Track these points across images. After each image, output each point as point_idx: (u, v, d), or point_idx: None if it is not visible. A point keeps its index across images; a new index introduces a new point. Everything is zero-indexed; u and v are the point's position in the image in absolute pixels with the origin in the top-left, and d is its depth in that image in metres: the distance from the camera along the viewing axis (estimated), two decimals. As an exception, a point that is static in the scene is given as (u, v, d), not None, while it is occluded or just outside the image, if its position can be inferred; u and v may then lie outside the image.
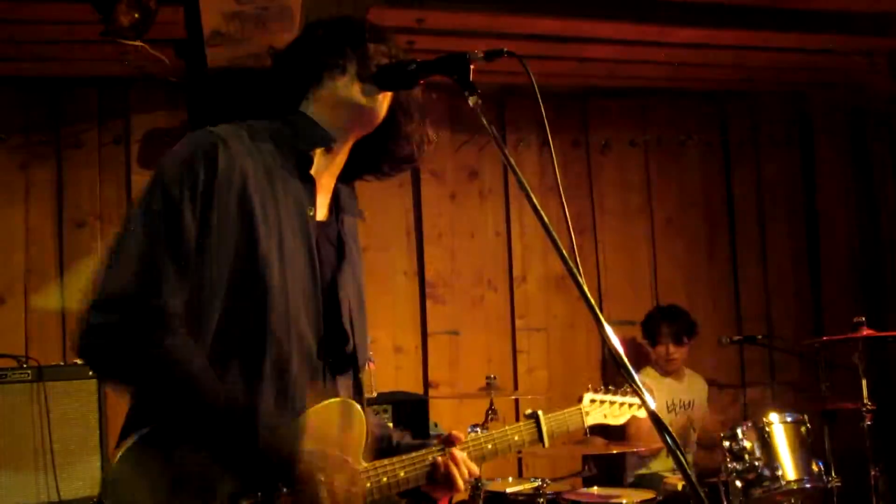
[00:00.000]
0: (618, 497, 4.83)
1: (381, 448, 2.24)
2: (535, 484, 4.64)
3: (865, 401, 5.08)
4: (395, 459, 2.16)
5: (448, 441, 2.27)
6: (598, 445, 5.07)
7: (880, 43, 5.58)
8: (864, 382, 5.12)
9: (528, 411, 2.53)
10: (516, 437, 2.44)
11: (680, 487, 5.01)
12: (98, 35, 4.39)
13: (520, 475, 5.79)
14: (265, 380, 1.97)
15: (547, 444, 2.51)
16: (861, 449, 5.00)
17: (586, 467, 5.04)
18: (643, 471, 5.58)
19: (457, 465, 2.22)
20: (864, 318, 5.10)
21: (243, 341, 1.97)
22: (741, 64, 5.91)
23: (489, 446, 2.36)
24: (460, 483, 2.21)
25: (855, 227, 6.79)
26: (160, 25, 4.44)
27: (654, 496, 4.81)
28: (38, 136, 5.53)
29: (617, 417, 2.86)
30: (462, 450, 2.27)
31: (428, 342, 6.07)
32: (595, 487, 5.14)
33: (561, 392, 6.19)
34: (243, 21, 4.50)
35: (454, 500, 5.05)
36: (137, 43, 4.49)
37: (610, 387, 2.88)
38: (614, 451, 5.09)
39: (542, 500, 4.58)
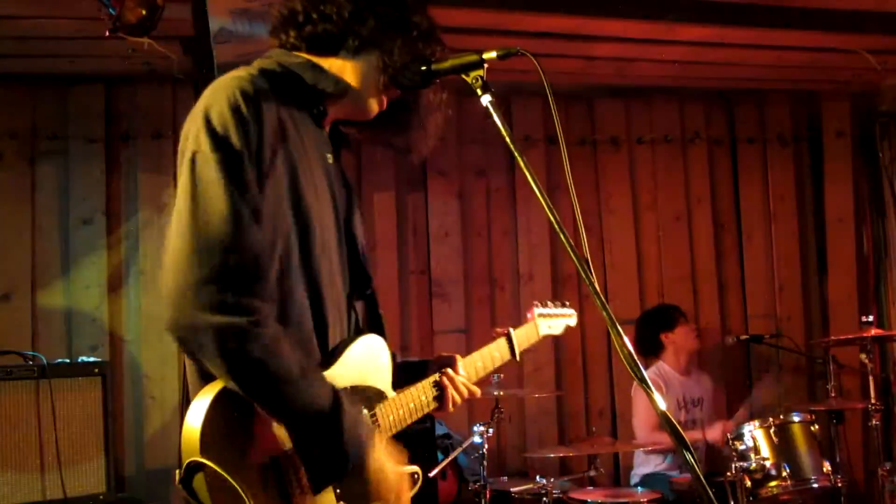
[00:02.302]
0: (624, 497, 4.82)
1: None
2: (541, 484, 4.63)
3: (873, 400, 5.07)
4: (417, 386, 2.31)
5: (445, 362, 2.46)
6: (605, 445, 5.07)
7: (889, 41, 5.55)
8: (871, 381, 5.11)
9: (498, 329, 2.84)
10: (496, 354, 2.75)
11: (687, 487, 5.00)
12: (105, 32, 4.38)
13: (525, 474, 5.79)
14: (310, 323, 2.00)
15: (518, 357, 2.82)
16: (869, 448, 5.00)
17: (592, 467, 5.02)
18: (649, 470, 5.56)
19: (453, 386, 2.41)
20: (872, 318, 5.09)
21: (294, 284, 1.96)
22: (749, 62, 5.89)
23: (479, 364, 2.64)
24: (450, 405, 2.40)
25: (863, 226, 6.76)
26: (167, 22, 4.43)
27: (660, 496, 4.80)
28: (45, 133, 5.54)
29: (553, 329, 3.16)
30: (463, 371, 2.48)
31: (435, 341, 6.07)
32: (601, 487, 5.13)
33: (568, 390, 6.19)
34: (251, 18, 4.49)
35: (458, 499, 5.05)
36: (145, 40, 4.49)
37: (555, 301, 3.22)
38: (620, 451, 5.09)
39: (547, 499, 4.57)
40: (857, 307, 6.47)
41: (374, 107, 2.17)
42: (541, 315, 3.08)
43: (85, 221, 5.52)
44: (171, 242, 1.79)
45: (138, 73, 5.48)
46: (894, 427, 6.21)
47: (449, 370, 2.41)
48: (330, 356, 2.04)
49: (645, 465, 5.62)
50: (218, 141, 1.81)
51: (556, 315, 3.18)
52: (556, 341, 6.23)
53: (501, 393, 4.73)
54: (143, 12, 4.15)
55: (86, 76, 5.54)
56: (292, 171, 1.94)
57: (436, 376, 2.38)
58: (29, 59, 5.28)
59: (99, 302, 5.45)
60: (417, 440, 4.75)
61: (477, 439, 4.52)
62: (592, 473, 5.01)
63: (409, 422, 2.23)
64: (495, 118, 1.96)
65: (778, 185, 6.71)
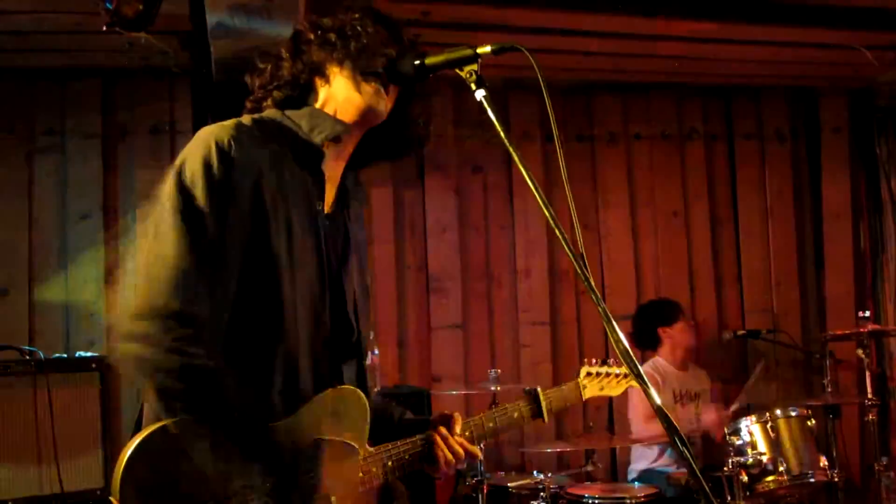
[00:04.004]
0: (621, 492, 4.82)
1: (383, 427, 2.27)
2: (538, 478, 4.64)
3: (869, 395, 5.08)
4: (399, 443, 2.21)
5: (442, 421, 2.32)
6: (602, 440, 5.07)
7: (886, 37, 5.56)
8: (868, 377, 5.12)
9: (527, 388, 2.61)
10: (516, 415, 2.53)
11: (683, 482, 5.01)
12: (103, 26, 4.38)
13: (522, 469, 5.79)
14: (276, 371, 2.00)
15: (547, 419, 2.61)
16: (865, 443, 5.01)
17: (589, 462, 5.03)
18: (646, 466, 5.57)
19: (444, 444, 2.26)
20: (868, 313, 5.10)
21: (256, 333, 2.00)
22: (747, 58, 5.90)
23: (490, 424, 2.44)
24: (442, 463, 2.25)
25: (860, 222, 6.77)
26: (165, 17, 4.42)
27: (656, 491, 4.81)
28: (42, 128, 5.53)
29: (614, 389, 2.97)
30: (465, 429, 2.33)
31: (432, 336, 6.07)
32: (598, 482, 5.14)
33: (564, 386, 6.18)
34: (248, 13, 4.48)
35: (458, 494, 5.05)
36: (142, 34, 4.48)
37: (609, 360, 2.97)
38: (617, 446, 5.10)
39: (544, 494, 4.57)
40: (854, 302, 6.49)
41: (377, 104, 2.15)
42: (589, 375, 2.91)
43: (83, 217, 5.52)
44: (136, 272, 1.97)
45: (136, 67, 5.47)
46: (891, 422, 6.23)
47: (442, 428, 2.29)
48: (294, 404, 2.01)
49: (642, 460, 5.62)
50: (184, 194, 1.96)
51: (613, 375, 2.97)
52: (553, 337, 6.24)
53: (499, 388, 4.74)
54: (141, 7, 4.15)
55: (83, 71, 5.53)
56: (262, 221, 2.00)
57: (423, 434, 2.26)
58: (26, 54, 5.27)
59: (96, 297, 5.44)
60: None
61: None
62: (589, 468, 5.01)
63: (383, 479, 2.14)
64: (489, 113, 1.96)
65: (775, 181, 6.71)
